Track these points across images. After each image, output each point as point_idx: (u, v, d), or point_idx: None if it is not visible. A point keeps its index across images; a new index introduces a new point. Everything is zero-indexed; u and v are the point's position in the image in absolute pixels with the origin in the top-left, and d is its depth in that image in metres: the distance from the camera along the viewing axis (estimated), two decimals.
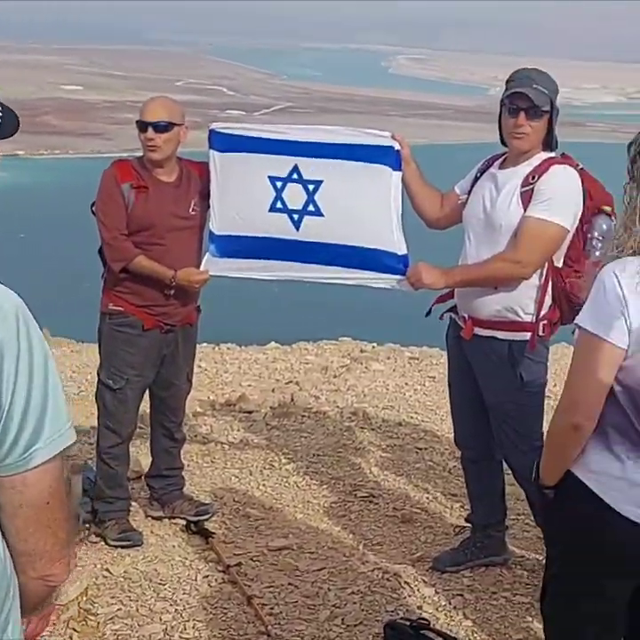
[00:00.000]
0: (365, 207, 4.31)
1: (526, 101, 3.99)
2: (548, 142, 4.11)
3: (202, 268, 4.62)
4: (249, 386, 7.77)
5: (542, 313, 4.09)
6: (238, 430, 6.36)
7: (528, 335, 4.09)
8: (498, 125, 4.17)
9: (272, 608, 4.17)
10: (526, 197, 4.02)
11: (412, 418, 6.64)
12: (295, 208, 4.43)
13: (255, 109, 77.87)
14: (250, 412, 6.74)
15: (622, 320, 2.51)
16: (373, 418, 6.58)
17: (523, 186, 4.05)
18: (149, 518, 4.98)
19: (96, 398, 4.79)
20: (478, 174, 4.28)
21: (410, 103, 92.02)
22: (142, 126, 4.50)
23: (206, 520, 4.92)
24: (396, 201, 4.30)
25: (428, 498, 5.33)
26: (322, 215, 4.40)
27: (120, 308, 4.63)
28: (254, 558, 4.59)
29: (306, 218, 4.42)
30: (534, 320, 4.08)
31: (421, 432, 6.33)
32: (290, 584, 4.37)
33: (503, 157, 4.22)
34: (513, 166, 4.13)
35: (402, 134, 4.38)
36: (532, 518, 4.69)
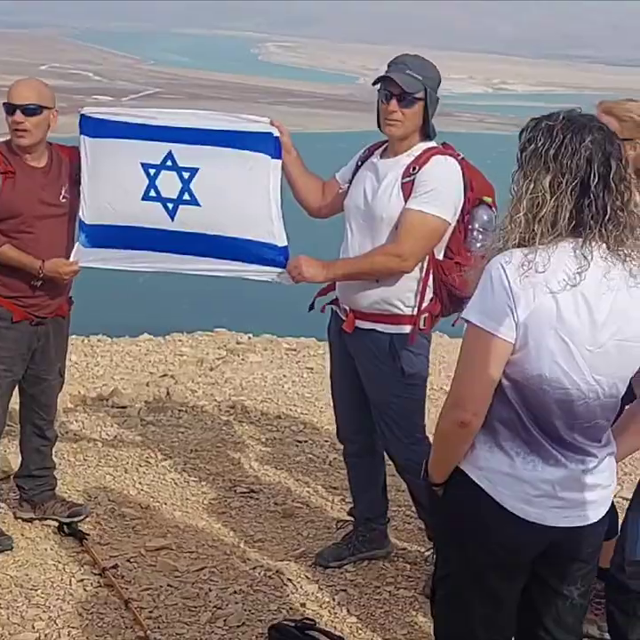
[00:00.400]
0: (243, 196, 4.19)
1: (397, 87, 3.94)
2: (426, 131, 4.06)
3: (72, 258, 4.43)
4: (122, 379, 7.57)
5: (423, 305, 4.05)
6: (112, 426, 6.17)
7: (409, 328, 4.05)
8: (376, 112, 4.11)
9: (151, 611, 4.03)
10: (407, 189, 3.97)
11: (291, 410, 6.56)
12: (169, 197, 4.28)
13: (123, 95, 76.45)
14: (123, 407, 6.55)
15: (509, 313, 2.47)
16: (252, 411, 6.48)
17: (404, 177, 3.99)
18: (19, 520, 4.76)
19: None
20: (359, 163, 4.21)
21: (280, 91, 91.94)
22: (10, 109, 4.27)
23: (80, 521, 4.74)
24: (276, 190, 4.18)
25: (308, 492, 5.27)
26: (198, 204, 4.25)
27: None
28: (131, 560, 4.44)
29: (181, 207, 4.27)
30: (415, 313, 4.04)
31: (301, 425, 6.26)
32: (169, 585, 4.24)
33: (384, 146, 4.16)
34: (394, 156, 4.07)
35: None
36: (413, 509, 4.69)
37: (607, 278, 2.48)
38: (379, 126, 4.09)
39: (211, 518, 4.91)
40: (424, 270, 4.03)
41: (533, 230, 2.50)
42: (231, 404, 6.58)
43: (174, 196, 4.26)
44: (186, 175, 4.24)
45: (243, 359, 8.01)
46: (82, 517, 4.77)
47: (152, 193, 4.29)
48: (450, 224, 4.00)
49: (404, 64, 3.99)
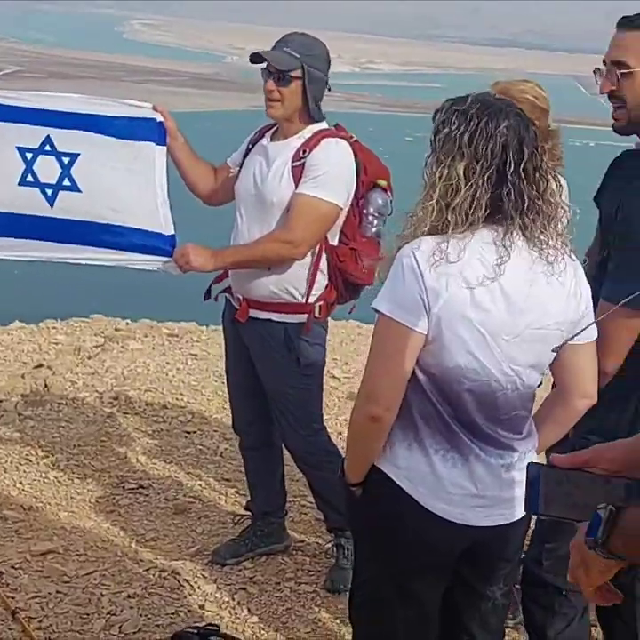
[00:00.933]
0: (127, 184, 3.98)
1: (273, 65, 3.80)
2: (309, 112, 3.91)
3: None
4: None
5: (318, 293, 3.93)
6: None
7: (304, 317, 3.92)
8: None
9: (40, 621, 3.82)
10: (297, 173, 3.83)
11: (177, 400, 6.35)
12: (48, 182, 4.04)
13: None
14: None
15: (421, 303, 2.37)
16: (136, 402, 6.25)
17: (294, 160, 3.85)
18: None
19: None
20: (250, 146, 4.06)
21: (145, 69, 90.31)
22: None
23: None
24: (161, 177, 3.98)
25: (200, 485, 5.09)
26: (79, 190, 4.03)
27: None
28: (16, 566, 4.20)
29: (61, 193, 4.04)
30: (311, 300, 3.92)
31: (188, 414, 6.07)
32: (58, 592, 4.02)
33: (275, 128, 4.01)
34: (284, 139, 3.93)
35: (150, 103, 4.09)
36: (309, 500, 4.60)
37: (532, 270, 2.41)
38: None
39: (99, 518, 4.70)
40: (315, 255, 3.91)
41: (447, 219, 2.40)
42: (114, 395, 6.34)
43: (53, 182, 4.02)
44: (66, 160, 4.01)
45: (123, 347, 7.74)
46: None
47: (29, 178, 4.04)
48: (342, 209, 3.88)
49: (285, 42, 3.86)
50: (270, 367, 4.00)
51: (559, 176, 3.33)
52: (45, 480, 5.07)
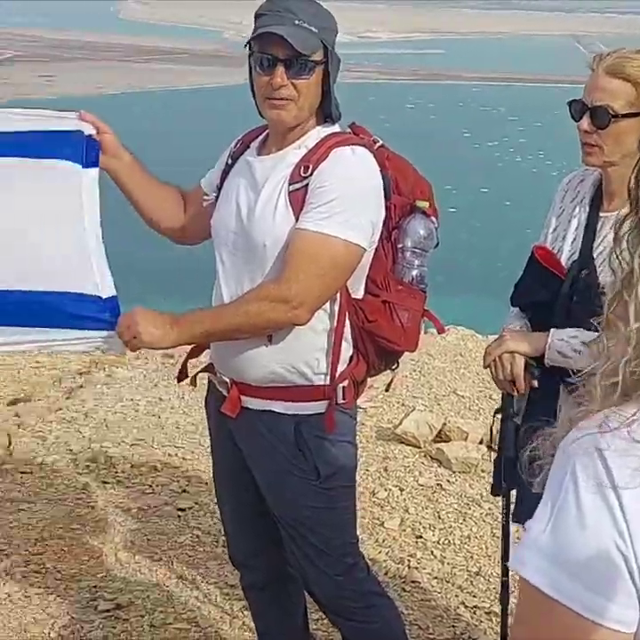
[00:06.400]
0: (47, 230, 2.71)
1: (283, 47, 2.55)
2: (327, 109, 2.71)
3: None
4: None
5: (340, 369, 2.72)
6: None
7: (322, 405, 2.72)
8: (250, 84, 2.72)
9: None
10: (297, 199, 2.61)
11: (169, 456, 5.01)
12: None
13: None
14: None
15: (622, 565, 1.06)
16: (118, 463, 4.93)
17: (292, 182, 2.63)
18: None
19: None
20: (229, 161, 2.84)
21: (143, 49, 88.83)
22: None
23: None
24: (93, 214, 2.70)
25: (197, 599, 3.87)
26: None
27: None
28: None
29: None
30: (329, 381, 2.71)
31: (183, 479, 4.70)
32: None
33: (264, 134, 2.80)
34: (277, 150, 2.71)
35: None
36: None
37: None
38: (257, 109, 2.72)
39: None
40: (336, 317, 2.70)
41: None
42: (91, 456, 5.12)
43: None
44: None
45: (109, 375, 6.54)
46: None
47: None
48: (366, 249, 2.66)
49: (288, 11, 2.56)
50: (274, 479, 2.80)
51: None
52: None
